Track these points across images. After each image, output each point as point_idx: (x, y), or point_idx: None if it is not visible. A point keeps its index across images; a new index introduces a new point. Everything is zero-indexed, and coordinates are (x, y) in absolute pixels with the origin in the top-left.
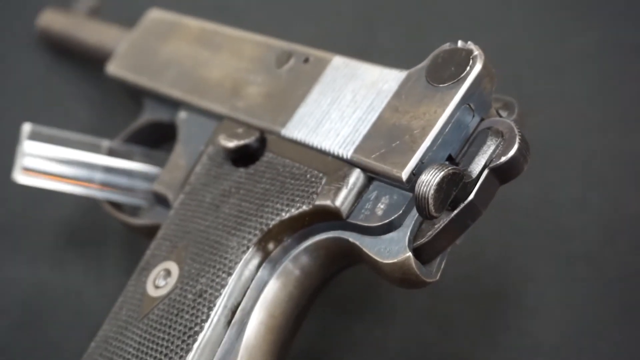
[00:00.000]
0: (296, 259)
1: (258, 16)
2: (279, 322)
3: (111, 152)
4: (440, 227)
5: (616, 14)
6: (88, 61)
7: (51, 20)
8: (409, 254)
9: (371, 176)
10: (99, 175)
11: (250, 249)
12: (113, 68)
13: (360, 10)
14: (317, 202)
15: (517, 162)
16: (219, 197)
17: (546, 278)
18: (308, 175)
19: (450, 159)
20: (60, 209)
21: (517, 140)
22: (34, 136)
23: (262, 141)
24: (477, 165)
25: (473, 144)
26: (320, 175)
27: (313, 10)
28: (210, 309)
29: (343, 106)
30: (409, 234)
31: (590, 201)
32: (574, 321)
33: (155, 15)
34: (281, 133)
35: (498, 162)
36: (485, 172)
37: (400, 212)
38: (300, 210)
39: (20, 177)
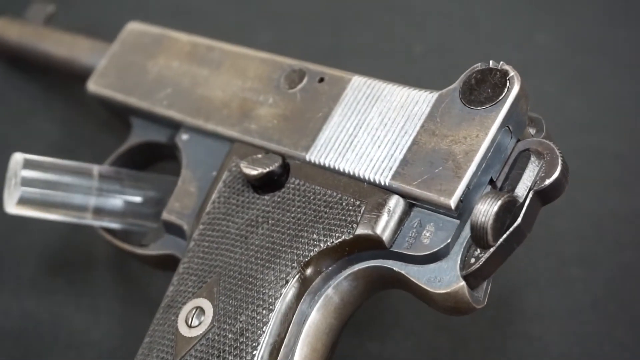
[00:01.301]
0: (335, 290)
1: (221, 20)
2: (320, 354)
3: (102, 178)
4: (490, 253)
5: (583, 11)
6: (46, 74)
7: (5, 29)
8: (463, 283)
9: (412, 203)
10: (94, 202)
11: (290, 283)
12: (95, 86)
13: (324, 11)
14: (358, 232)
15: (560, 183)
16: (245, 227)
17: (545, 281)
18: (344, 203)
19: (491, 182)
20: (41, 235)
21: (560, 161)
22: (27, 165)
23: (285, 166)
24: (523, 189)
25: (515, 166)
26: (358, 202)
27: (276, 13)
28: (254, 348)
29: (372, 129)
30: (459, 262)
31: (575, 201)
32: (577, 323)
33: (134, 28)
34: (306, 158)
35: (543, 185)
36: (530, 195)
37: (449, 240)
38: (339, 240)
39: (15, 210)
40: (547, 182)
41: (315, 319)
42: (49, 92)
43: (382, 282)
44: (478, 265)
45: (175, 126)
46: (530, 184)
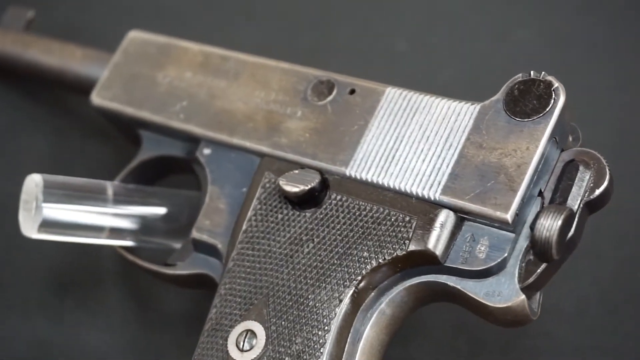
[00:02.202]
0: (387, 306)
1: (202, 21)
2: None
3: (117, 195)
4: (547, 265)
5: (562, 6)
6: (30, 83)
7: None
8: (523, 296)
9: (463, 217)
10: (110, 221)
11: (343, 302)
12: (100, 99)
13: (306, 10)
14: (411, 248)
15: (608, 193)
16: (289, 245)
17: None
18: (393, 219)
19: (539, 194)
20: (44, 255)
21: (608, 171)
22: (47, 187)
23: (323, 182)
24: (575, 200)
25: (563, 177)
26: (408, 218)
27: (258, 12)
28: None
29: (413, 142)
30: (516, 275)
31: None
32: (589, 317)
33: (136, 36)
34: (346, 173)
35: (593, 196)
36: (581, 206)
37: (506, 254)
38: (392, 256)
39: (36, 234)
40: (597, 192)
41: (369, 336)
42: (35, 102)
43: (433, 297)
44: (535, 278)
45: (193, 140)
46: (581, 195)
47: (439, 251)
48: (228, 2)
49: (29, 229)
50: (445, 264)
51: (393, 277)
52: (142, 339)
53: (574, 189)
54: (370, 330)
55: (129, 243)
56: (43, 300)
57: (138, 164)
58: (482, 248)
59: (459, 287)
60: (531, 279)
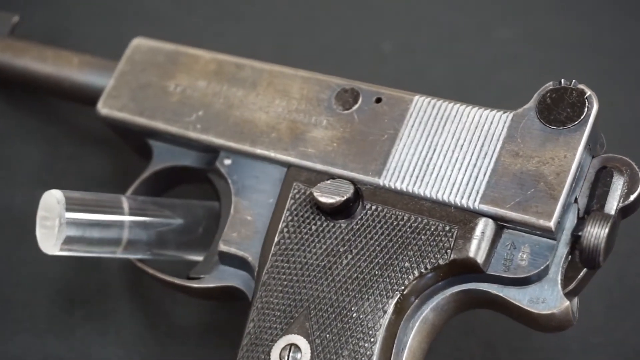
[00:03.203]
0: (428, 315)
1: (185, 23)
2: None
3: (132, 209)
4: (585, 271)
5: (542, 6)
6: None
7: None
8: (568, 303)
9: (502, 225)
10: (127, 235)
11: (387, 313)
12: (107, 110)
13: (291, 11)
14: (453, 257)
15: None
16: (326, 257)
17: None
18: (432, 228)
19: (575, 200)
20: (50, 269)
21: None
22: (69, 204)
23: (357, 192)
24: (612, 206)
25: (598, 184)
26: (448, 227)
27: (243, 13)
28: None
29: (447, 151)
30: (559, 282)
31: None
32: (595, 315)
33: (141, 44)
34: (379, 183)
35: (628, 201)
36: (617, 212)
37: (548, 262)
38: (434, 266)
39: (58, 252)
40: (632, 197)
41: (412, 346)
42: (26, 110)
43: (473, 304)
44: (576, 283)
45: (210, 150)
46: (617, 201)
47: (480, 259)
48: (213, 3)
49: (51, 246)
50: (487, 272)
51: (434, 286)
52: (157, 352)
53: (609, 195)
54: (412, 340)
55: (145, 256)
56: (51, 316)
57: (149, 175)
58: (524, 256)
59: (501, 294)
60: (572, 285)
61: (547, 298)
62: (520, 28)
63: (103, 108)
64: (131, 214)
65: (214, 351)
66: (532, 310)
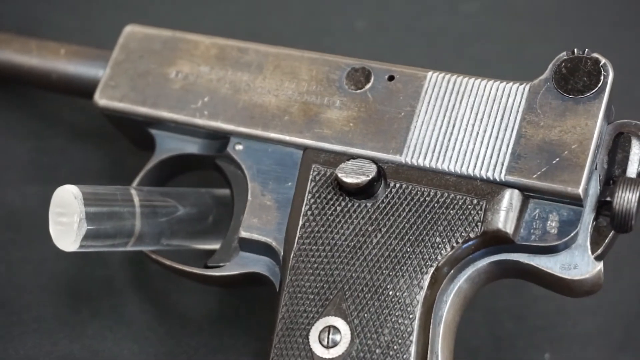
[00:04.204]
0: (461, 287)
1: (160, 5)
2: (452, 353)
3: (142, 200)
4: (612, 235)
5: None
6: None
7: None
8: (600, 266)
9: (529, 195)
10: (139, 226)
11: (424, 289)
12: (106, 100)
13: None
14: (484, 229)
15: None
16: (354, 237)
17: None
18: (460, 202)
19: (595, 167)
20: (50, 267)
21: None
22: (86, 199)
23: (379, 171)
24: (633, 170)
25: (617, 150)
26: (476, 200)
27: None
28: (407, 359)
29: (467, 126)
30: (589, 247)
31: None
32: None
33: (135, 31)
34: (402, 161)
35: None
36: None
37: (578, 228)
38: (465, 239)
39: (77, 248)
40: None
41: (447, 319)
42: (7, 104)
43: (503, 274)
44: (604, 248)
45: (218, 137)
46: (637, 166)
47: (510, 230)
48: None
49: (71, 243)
50: (517, 242)
51: (466, 259)
52: (171, 344)
53: (630, 160)
54: (447, 314)
55: (155, 247)
56: (59, 316)
57: (155, 165)
58: (553, 224)
59: (532, 263)
60: (600, 249)
61: (579, 264)
62: (482, 1)
63: (101, 99)
64: (143, 206)
65: (229, 339)
66: (565, 277)
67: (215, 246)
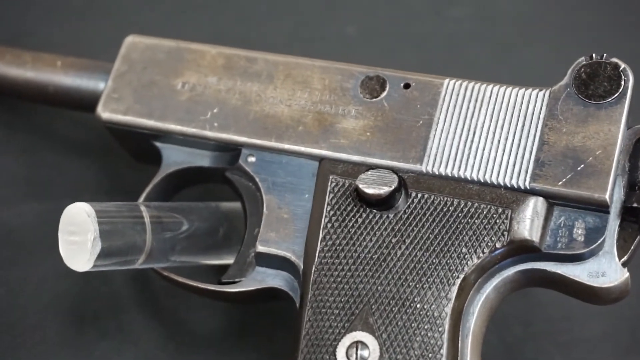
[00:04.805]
0: (488, 298)
1: (147, 15)
2: None
3: (152, 217)
4: (638, 239)
5: None
6: None
7: None
8: (627, 274)
9: (554, 202)
10: (149, 243)
11: (452, 301)
12: (109, 114)
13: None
14: (510, 238)
15: None
16: (378, 250)
17: None
18: (485, 212)
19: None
20: (51, 287)
21: None
22: (99, 217)
23: (400, 181)
24: None
25: (638, 155)
26: (501, 209)
27: (204, 3)
28: None
29: (488, 133)
30: (616, 254)
31: None
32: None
33: (136, 41)
34: (422, 170)
35: None
36: None
37: (605, 235)
38: (491, 249)
39: (90, 267)
40: None
41: (475, 330)
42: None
43: (529, 283)
44: (630, 254)
45: (228, 149)
46: None
47: (537, 239)
48: None
49: (84, 262)
50: (545, 251)
51: (492, 269)
52: None
53: None
54: (474, 325)
55: (165, 264)
56: (64, 337)
57: (162, 178)
58: (579, 231)
59: (559, 272)
60: (627, 256)
61: (607, 271)
62: (468, 6)
63: (104, 112)
64: (152, 222)
65: (239, 355)
66: (594, 285)
67: (226, 261)
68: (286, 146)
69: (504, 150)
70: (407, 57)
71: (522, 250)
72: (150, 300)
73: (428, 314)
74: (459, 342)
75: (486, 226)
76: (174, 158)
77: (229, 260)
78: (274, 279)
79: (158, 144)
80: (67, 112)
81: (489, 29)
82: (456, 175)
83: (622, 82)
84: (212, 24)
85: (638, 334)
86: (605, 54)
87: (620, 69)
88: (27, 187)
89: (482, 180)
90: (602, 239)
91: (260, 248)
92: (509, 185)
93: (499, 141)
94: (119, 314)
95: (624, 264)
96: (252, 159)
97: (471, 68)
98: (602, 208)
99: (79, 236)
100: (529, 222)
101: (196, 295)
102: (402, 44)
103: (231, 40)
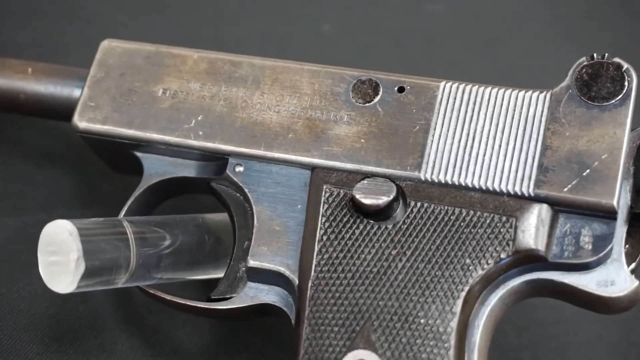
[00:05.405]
0: (493, 310)
1: (114, 17)
2: None
3: (135, 232)
4: None
5: None
6: None
7: None
8: (637, 282)
9: (558, 209)
10: (134, 261)
11: (457, 314)
12: (86, 123)
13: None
14: (516, 248)
15: None
16: (377, 263)
17: None
18: (488, 220)
19: None
20: (28, 306)
21: None
22: (82, 235)
23: (398, 190)
24: None
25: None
26: (505, 218)
27: (175, 4)
28: None
29: (488, 138)
30: (625, 262)
31: None
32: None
33: (113, 46)
34: (420, 178)
35: None
36: None
37: (613, 243)
38: (496, 260)
39: (74, 289)
40: None
41: (480, 345)
42: None
43: (534, 294)
44: (639, 261)
45: (214, 158)
46: None
47: (543, 247)
48: None
49: (67, 284)
50: (551, 260)
51: (497, 279)
52: None
53: None
54: (480, 339)
55: (149, 282)
56: (43, 358)
57: (144, 190)
58: (586, 239)
59: (567, 282)
60: (635, 263)
61: (616, 280)
62: (447, 1)
63: (80, 122)
64: (136, 239)
65: None
66: (603, 295)
67: (214, 276)
68: (276, 155)
69: (505, 155)
70: (385, 55)
71: (528, 260)
72: (133, 317)
73: (433, 329)
74: (465, 357)
75: (490, 236)
76: (156, 169)
77: (216, 274)
78: (267, 294)
79: (138, 154)
80: (38, 120)
81: (468, 24)
82: (456, 183)
83: (626, 83)
84: (183, 25)
85: (633, 336)
86: (606, 54)
87: (623, 69)
88: (1, 203)
89: (483, 188)
90: (610, 247)
91: (252, 262)
92: (512, 193)
93: (499, 146)
94: (100, 332)
95: (632, 272)
96: (240, 169)
97: (451, 64)
98: (609, 214)
99: (61, 256)
100: (534, 230)
101: (189, 314)
102: (380, 41)
103: (204, 41)
